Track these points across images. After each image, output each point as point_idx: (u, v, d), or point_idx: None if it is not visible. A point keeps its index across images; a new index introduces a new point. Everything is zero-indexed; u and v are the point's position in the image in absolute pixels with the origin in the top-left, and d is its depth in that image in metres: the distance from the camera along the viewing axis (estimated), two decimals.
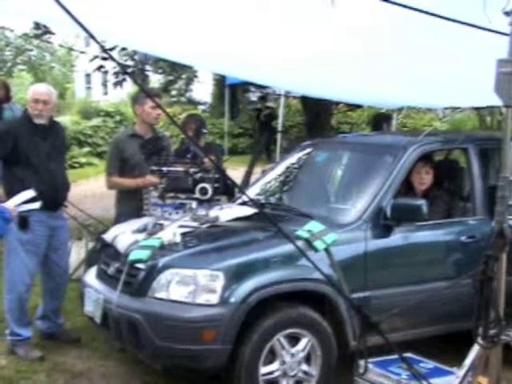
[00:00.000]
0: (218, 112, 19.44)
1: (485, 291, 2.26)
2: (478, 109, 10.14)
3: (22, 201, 3.47)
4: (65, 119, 16.07)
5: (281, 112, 14.91)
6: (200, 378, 3.86)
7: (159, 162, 4.49)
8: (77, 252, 5.80)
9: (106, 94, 28.05)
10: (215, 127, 18.47)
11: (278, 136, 14.49)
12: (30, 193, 3.55)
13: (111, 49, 6.85)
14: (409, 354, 3.63)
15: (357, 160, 4.57)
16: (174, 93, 21.60)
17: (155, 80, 20.79)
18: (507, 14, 2.20)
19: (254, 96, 18.93)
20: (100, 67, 7.83)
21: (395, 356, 3.59)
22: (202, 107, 21.72)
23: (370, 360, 3.48)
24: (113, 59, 2.64)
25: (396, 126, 7.50)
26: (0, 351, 4.38)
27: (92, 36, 1.74)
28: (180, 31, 3.86)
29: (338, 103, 11.27)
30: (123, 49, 8.05)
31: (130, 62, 8.78)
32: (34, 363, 4.17)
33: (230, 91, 18.03)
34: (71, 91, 30.18)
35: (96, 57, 7.29)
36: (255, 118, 16.10)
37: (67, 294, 4.67)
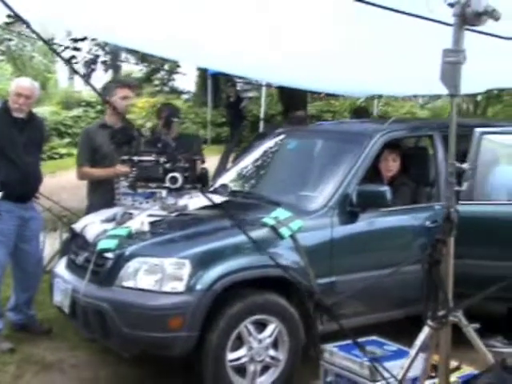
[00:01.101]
0: (201, 101, 19.41)
1: (433, 274, 2.32)
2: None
3: None
4: (44, 110, 15.95)
5: (263, 101, 14.95)
6: (170, 367, 3.91)
7: (130, 151, 4.51)
8: (51, 243, 5.81)
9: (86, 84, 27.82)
10: (198, 116, 18.45)
11: (261, 124, 14.54)
12: None
13: (82, 39, 6.85)
14: (374, 337, 3.72)
15: (325, 148, 4.63)
16: (156, 82, 21.52)
17: (137, 70, 20.69)
18: (451, 5, 2.25)
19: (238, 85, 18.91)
20: (71, 58, 7.82)
21: (360, 339, 3.68)
22: (185, 96, 21.68)
23: (336, 344, 3.56)
24: (53, 50, 2.64)
25: (377, 114, 7.55)
26: None
27: (28, 25, 1.76)
28: (160, 24, 3.87)
29: (313, 92, 11.32)
30: (94, 39, 8.07)
31: (100, 52, 8.78)
32: (4, 355, 4.18)
33: (213, 81, 18.01)
34: (54, 81, 29.87)
35: (67, 47, 7.28)
36: (225, 106, 16.11)
37: (40, 285, 4.69)
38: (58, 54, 3.13)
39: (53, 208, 5.69)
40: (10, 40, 23.44)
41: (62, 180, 10.59)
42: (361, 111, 6.15)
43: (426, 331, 2.39)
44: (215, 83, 18.31)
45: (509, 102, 11.93)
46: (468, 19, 2.23)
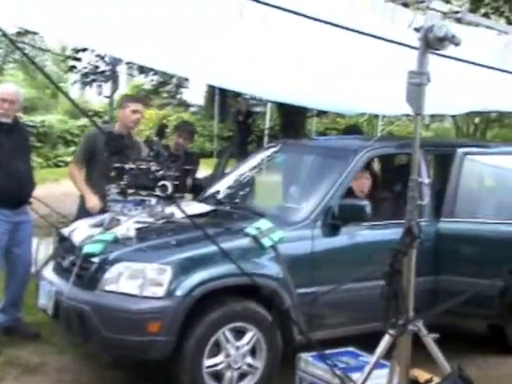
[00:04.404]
0: (209, 114, 19.61)
1: (393, 284, 2.40)
2: (453, 117, 10.42)
3: None
4: (52, 118, 16.18)
5: (267, 115, 15.11)
6: (150, 372, 3.98)
7: (122, 159, 4.63)
8: (45, 248, 5.89)
9: (100, 93, 28.19)
10: (205, 129, 18.64)
11: (265, 138, 14.68)
12: None
13: (84, 50, 7.01)
14: (350, 348, 3.80)
15: (312, 162, 4.73)
16: (165, 95, 21.73)
17: (146, 82, 20.89)
18: (417, 30, 2.36)
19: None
20: (72, 68, 7.98)
21: (338, 350, 3.77)
22: (192, 109, 21.90)
23: (312, 353, 3.64)
24: (21, 51, 2.74)
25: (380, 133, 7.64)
26: None
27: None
28: (165, 42, 3.99)
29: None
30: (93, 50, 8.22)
31: (100, 63, 8.94)
32: None
33: (220, 95, 18.22)
34: (65, 90, 30.18)
35: (68, 57, 7.45)
36: (233, 119, 16.33)
37: (30, 289, 4.74)
38: (26, 55, 3.26)
39: (51, 214, 5.80)
40: (22, 49, 23.77)
41: (65, 187, 10.73)
42: (352, 130, 6.25)
43: (386, 339, 2.46)
44: (223, 97, 18.53)
45: (508, 125, 12.04)
46: (431, 43, 2.35)
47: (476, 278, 4.15)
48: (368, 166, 4.56)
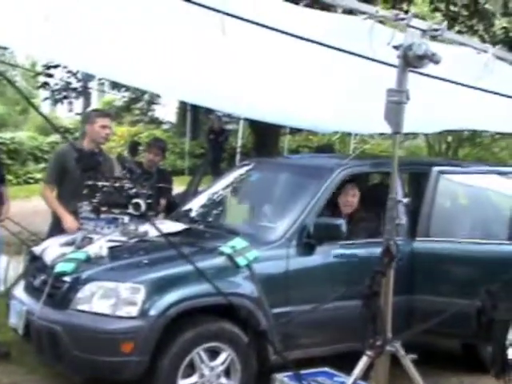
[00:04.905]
0: (181, 132, 19.53)
1: (372, 305, 2.38)
2: (426, 135, 10.57)
3: None
4: (22, 135, 15.95)
5: (240, 134, 15.10)
6: None
7: (95, 176, 4.57)
8: (15, 267, 5.76)
9: (71, 110, 27.96)
10: (177, 147, 18.55)
11: (237, 156, 14.66)
12: None
13: (55, 66, 6.95)
14: (325, 369, 3.77)
15: (287, 180, 4.71)
16: (136, 112, 21.61)
17: (118, 98, 20.76)
18: (396, 47, 2.37)
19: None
20: (44, 84, 7.91)
21: (313, 370, 3.73)
22: (164, 126, 21.79)
23: (287, 373, 3.60)
24: None
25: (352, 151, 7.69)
26: None
27: None
28: (137, 58, 3.95)
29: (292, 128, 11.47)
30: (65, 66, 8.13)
31: (72, 79, 8.85)
32: None
33: (192, 112, 18.17)
34: (37, 106, 29.72)
35: (39, 73, 7.38)
36: (206, 137, 16.33)
37: (0, 308, 4.64)
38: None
39: (22, 232, 5.67)
40: None
41: (36, 204, 10.55)
42: (325, 148, 6.28)
43: (364, 360, 2.44)
44: (194, 114, 18.49)
45: (480, 144, 12.26)
46: (410, 61, 2.36)
47: (451, 297, 4.17)
48: (356, 183, 4.54)
